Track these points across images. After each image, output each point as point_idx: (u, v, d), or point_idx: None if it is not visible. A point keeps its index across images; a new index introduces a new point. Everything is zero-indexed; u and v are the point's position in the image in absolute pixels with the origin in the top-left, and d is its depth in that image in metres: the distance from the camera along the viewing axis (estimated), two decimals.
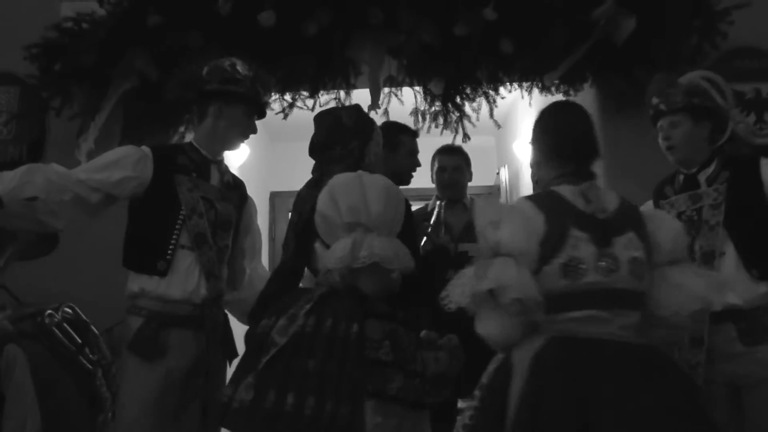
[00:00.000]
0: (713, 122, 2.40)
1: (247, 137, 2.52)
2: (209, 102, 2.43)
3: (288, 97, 3.39)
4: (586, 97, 3.59)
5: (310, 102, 3.38)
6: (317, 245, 2.07)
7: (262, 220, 5.65)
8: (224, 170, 2.50)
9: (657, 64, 3.20)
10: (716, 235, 2.23)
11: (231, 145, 2.50)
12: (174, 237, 2.26)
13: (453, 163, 3.45)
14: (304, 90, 3.37)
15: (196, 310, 2.27)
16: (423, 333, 2.13)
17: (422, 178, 3.38)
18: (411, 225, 2.25)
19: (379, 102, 3.40)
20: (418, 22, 3.09)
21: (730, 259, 2.21)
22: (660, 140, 2.45)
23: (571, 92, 3.42)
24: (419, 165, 3.16)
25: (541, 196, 1.86)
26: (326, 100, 3.40)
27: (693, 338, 2.22)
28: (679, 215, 2.33)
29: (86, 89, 3.18)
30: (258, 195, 5.51)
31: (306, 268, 2.20)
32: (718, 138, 2.40)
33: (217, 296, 2.31)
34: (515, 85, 3.44)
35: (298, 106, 3.40)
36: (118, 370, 2.27)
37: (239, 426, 1.86)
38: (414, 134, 3.17)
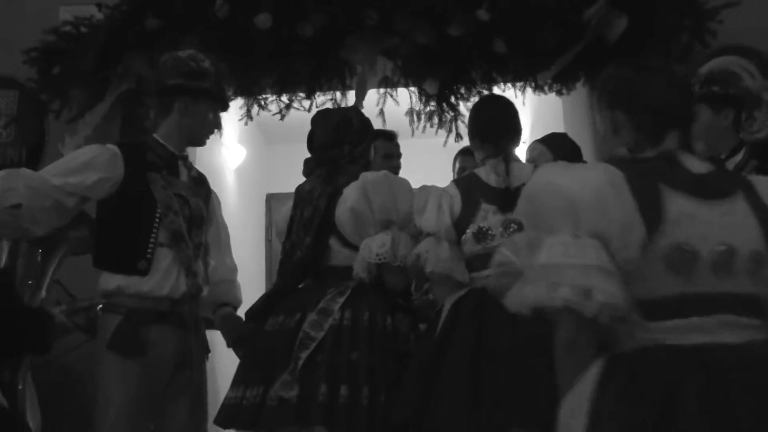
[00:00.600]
0: (737, 109, 2.35)
1: (212, 133, 2.49)
2: (174, 97, 2.38)
3: (285, 98, 3.43)
4: (578, 96, 3.64)
5: (306, 103, 3.42)
6: (332, 241, 2.11)
7: (258, 222, 5.71)
8: (190, 165, 2.47)
9: (649, 63, 3.26)
10: None
11: (198, 140, 2.47)
12: (153, 236, 2.24)
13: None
14: (301, 91, 3.41)
15: (175, 305, 2.25)
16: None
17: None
18: None
19: (375, 103, 3.46)
20: (413, 24, 3.13)
21: None
22: None
23: (564, 91, 3.47)
24: (399, 167, 3.17)
25: (464, 178, 2.21)
26: (322, 101, 3.44)
27: None
28: None
29: (85, 92, 3.21)
30: (254, 197, 5.57)
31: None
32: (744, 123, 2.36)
33: (196, 292, 2.29)
34: (509, 84, 3.48)
35: (294, 107, 3.43)
36: (98, 371, 2.21)
37: (285, 421, 1.89)
38: (390, 137, 3.20)
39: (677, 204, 1.29)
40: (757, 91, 2.35)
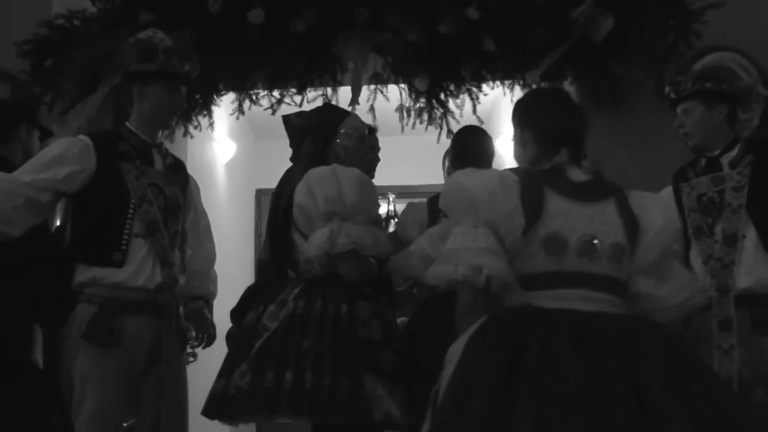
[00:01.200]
0: (731, 104, 2.40)
1: (175, 113, 2.46)
2: (131, 83, 2.39)
3: (276, 93, 3.46)
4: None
5: (297, 98, 3.45)
6: (296, 237, 2.17)
7: (248, 218, 5.74)
8: (165, 153, 2.46)
9: (635, 63, 3.32)
10: (739, 218, 2.27)
11: (162, 124, 2.44)
12: (127, 227, 2.24)
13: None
14: (292, 87, 3.44)
15: (150, 295, 2.25)
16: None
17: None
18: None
19: (366, 99, 3.50)
20: (404, 21, 3.17)
21: (750, 243, 2.27)
22: (676, 127, 2.48)
23: None
24: (378, 160, 3.22)
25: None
26: (313, 96, 3.48)
27: (720, 321, 2.25)
28: (699, 197, 2.37)
29: (78, 85, 3.22)
30: (244, 192, 5.60)
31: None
32: (741, 118, 2.41)
33: (172, 283, 2.30)
34: (498, 82, 3.53)
35: (286, 103, 3.46)
36: (73, 361, 2.22)
37: (240, 410, 1.96)
38: (372, 131, 3.25)
39: (555, 203, 1.68)
40: (752, 86, 2.38)
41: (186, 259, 2.50)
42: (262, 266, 2.31)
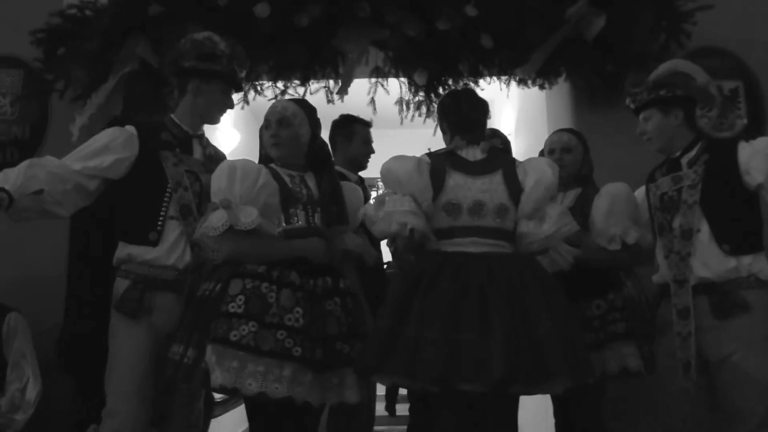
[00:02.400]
0: (687, 108, 2.54)
1: (224, 112, 2.66)
2: (188, 78, 2.54)
3: (280, 84, 3.57)
4: (561, 91, 3.81)
5: (301, 90, 3.56)
6: None
7: None
8: (206, 144, 2.62)
9: (627, 61, 3.43)
10: (693, 213, 2.42)
11: (210, 120, 2.63)
12: (163, 209, 2.41)
13: None
14: (296, 78, 3.55)
15: (180, 275, 2.41)
16: None
17: None
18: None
19: (367, 91, 3.61)
20: (403, 17, 3.27)
21: (704, 236, 2.40)
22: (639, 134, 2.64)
23: (546, 85, 3.63)
24: (373, 152, 3.36)
25: None
26: (316, 88, 3.59)
27: (679, 310, 2.40)
28: (662, 196, 2.54)
29: (89, 73, 3.34)
30: None
31: None
32: (698, 119, 2.56)
33: (200, 264, 2.42)
34: (494, 78, 3.64)
35: (289, 94, 3.56)
36: (109, 330, 2.41)
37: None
38: (367, 124, 3.37)
39: (454, 178, 2.32)
40: (706, 85, 2.53)
41: None
42: None
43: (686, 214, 2.44)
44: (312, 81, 3.57)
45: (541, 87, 3.63)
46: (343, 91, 3.43)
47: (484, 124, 2.50)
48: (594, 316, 2.61)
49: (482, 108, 2.49)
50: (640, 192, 2.73)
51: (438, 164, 2.34)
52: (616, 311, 2.62)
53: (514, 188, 2.33)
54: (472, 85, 3.60)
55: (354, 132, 3.34)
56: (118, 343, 2.37)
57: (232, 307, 2.12)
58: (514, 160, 2.44)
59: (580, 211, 2.68)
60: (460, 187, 2.31)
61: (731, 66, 3.66)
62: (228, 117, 4.94)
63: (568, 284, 2.47)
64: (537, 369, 2.05)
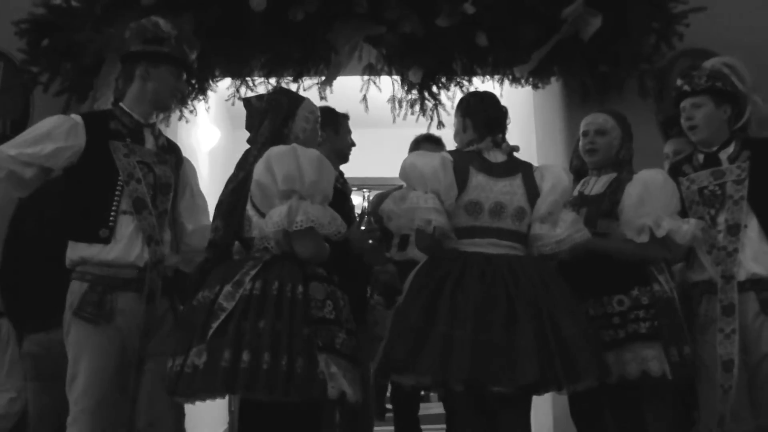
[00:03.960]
0: (733, 106, 2.58)
1: (177, 97, 2.52)
2: (135, 64, 2.39)
3: (272, 80, 3.51)
4: (550, 91, 3.84)
5: (294, 86, 3.51)
6: (251, 214, 2.19)
7: None
8: (158, 134, 2.47)
9: (620, 62, 3.47)
10: (740, 209, 2.44)
11: (162, 106, 2.48)
12: (114, 204, 2.25)
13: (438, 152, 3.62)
14: (289, 75, 3.50)
15: (140, 273, 2.25)
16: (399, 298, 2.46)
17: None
18: (343, 196, 2.45)
19: (359, 89, 3.58)
20: (402, 13, 3.25)
21: (753, 231, 2.43)
22: (682, 120, 2.62)
23: (540, 85, 3.65)
24: (354, 144, 3.28)
25: None
26: (309, 84, 3.55)
27: (724, 306, 2.41)
28: (701, 190, 2.53)
29: (77, 66, 3.23)
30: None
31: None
32: (737, 121, 2.59)
33: (158, 261, 2.28)
34: (488, 77, 3.65)
35: None
36: (66, 338, 2.23)
37: (195, 389, 1.98)
38: (347, 117, 3.31)
39: (476, 179, 2.34)
40: (748, 93, 2.59)
41: (188, 233, 2.51)
42: (211, 246, 2.30)
43: (732, 209, 2.45)
44: (305, 77, 3.54)
45: (535, 86, 3.65)
46: (327, 83, 3.38)
47: (506, 127, 2.51)
48: (614, 312, 2.43)
49: (505, 111, 2.52)
50: (655, 176, 2.60)
51: (461, 163, 2.36)
52: (640, 309, 2.41)
53: (533, 192, 2.37)
54: (465, 83, 3.61)
55: (340, 124, 3.29)
56: (79, 352, 2.20)
57: (327, 313, 2.05)
58: (531, 164, 2.48)
59: (610, 197, 2.56)
60: (483, 187, 2.33)
61: (694, 65, 3.71)
62: (208, 114, 4.91)
63: (587, 278, 2.43)
64: (568, 371, 2.09)
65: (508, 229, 2.33)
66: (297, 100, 2.40)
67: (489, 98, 2.53)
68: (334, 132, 3.24)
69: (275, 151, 2.12)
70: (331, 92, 3.53)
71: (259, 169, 2.11)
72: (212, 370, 1.92)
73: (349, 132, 3.27)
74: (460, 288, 2.18)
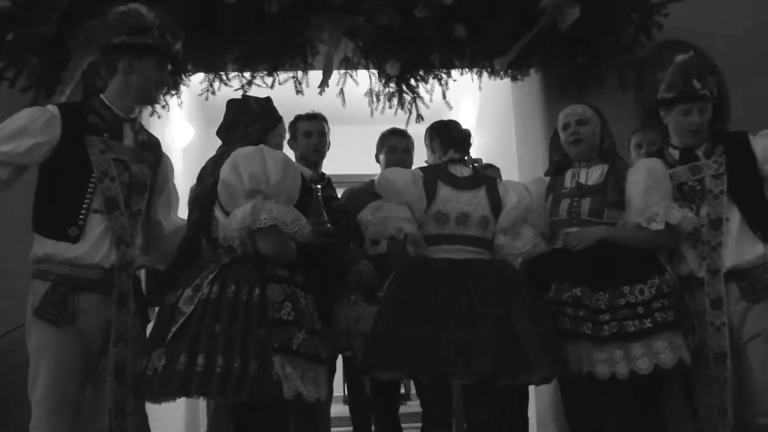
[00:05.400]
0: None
1: (161, 90, 2.42)
2: (118, 56, 2.28)
3: (247, 75, 3.43)
4: (529, 83, 3.80)
5: (269, 80, 3.44)
6: (218, 214, 2.18)
7: None
8: (138, 128, 2.36)
9: (599, 53, 3.45)
10: (721, 203, 2.47)
11: (147, 99, 2.39)
12: (86, 202, 2.16)
13: (403, 145, 3.56)
14: (263, 68, 3.42)
15: (105, 274, 2.16)
16: (380, 293, 2.58)
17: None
18: (307, 198, 2.42)
19: (335, 83, 3.51)
20: (378, 4, 3.19)
21: (734, 224, 2.46)
22: (685, 120, 2.60)
23: (519, 77, 3.62)
24: (317, 144, 3.22)
25: None
26: (284, 78, 3.47)
27: (712, 300, 2.43)
28: (680, 186, 2.55)
29: (43, 60, 3.13)
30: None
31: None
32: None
33: (126, 263, 2.20)
34: (466, 69, 3.60)
35: (256, 84, 3.44)
36: (27, 338, 2.15)
37: (155, 391, 2.04)
38: (309, 117, 3.25)
39: (443, 191, 2.56)
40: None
41: (163, 229, 2.44)
42: (185, 243, 2.29)
43: (713, 203, 2.48)
44: (280, 71, 3.46)
45: (513, 78, 3.62)
46: (324, 83, 3.31)
47: (469, 146, 2.76)
48: (637, 302, 2.35)
49: (468, 132, 2.80)
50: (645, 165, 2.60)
51: (430, 177, 2.60)
52: (663, 297, 2.35)
53: (496, 203, 2.58)
54: (443, 76, 3.56)
55: (296, 129, 3.23)
56: (40, 353, 2.10)
57: (284, 314, 2.06)
58: (494, 179, 2.77)
59: (615, 186, 2.53)
60: (449, 199, 2.55)
61: (709, 67, 3.72)
62: (182, 111, 4.81)
63: (603, 268, 2.41)
64: (521, 363, 2.26)
65: (473, 236, 2.53)
66: (279, 116, 2.47)
67: (453, 123, 2.84)
68: (293, 139, 3.22)
69: (242, 151, 2.15)
70: (325, 90, 3.45)
71: (225, 169, 2.13)
72: (169, 373, 1.97)
73: (306, 134, 3.20)
74: (425, 291, 2.39)
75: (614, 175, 2.57)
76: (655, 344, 2.30)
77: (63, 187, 2.16)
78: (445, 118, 3.14)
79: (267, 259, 2.12)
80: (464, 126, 3.32)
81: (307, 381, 2.04)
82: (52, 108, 2.21)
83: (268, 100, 2.51)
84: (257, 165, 2.10)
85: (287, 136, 2.54)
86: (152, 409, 2.27)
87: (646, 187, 2.48)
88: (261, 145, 2.19)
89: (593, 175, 2.63)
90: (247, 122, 2.36)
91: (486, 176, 2.70)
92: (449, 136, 2.72)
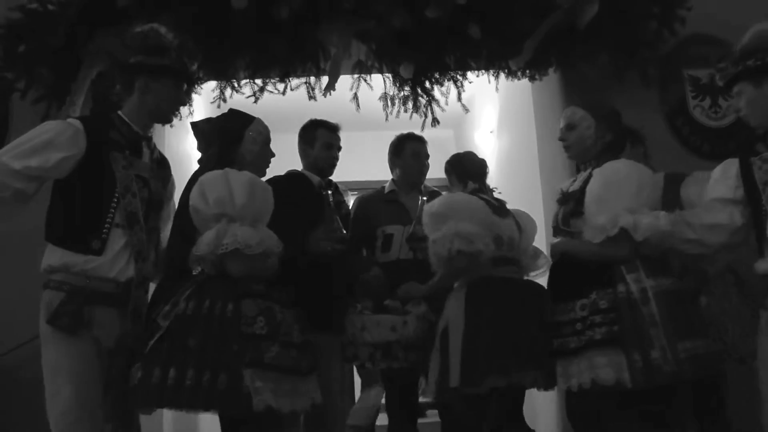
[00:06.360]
0: None
1: (177, 110, 2.45)
2: (134, 76, 2.33)
3: (259, 81, 3.39)
4: (548, 83, 3.70)
5: (280, 86, 3.39)
6: (196, 235, 2.23)
7: None
8: (153, 147, 2.41)
9: (620, 50, 3.33)
10: None
11: (163, 118, 2.44)
12: (110, 216, 2.19)
13: (426, 150, 3.49)
14: (275, 74, 3.38)
15: (120, 288, 2.19)
16: (388, 301, 2.63)
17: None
18: (287, 214, 2.40)
19: (350, 87, 3.45)
20: (390, 6, 3.12)
21: None
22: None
23: (537, 77, 3.51)
24: (336, 157, 3.17)
25: None
26: (296, 84, 3.42)
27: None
28: None
29: (53, 71, 3.12)
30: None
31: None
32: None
33: (143, 278, 2.25)
34: (482, 71, 3.50)
35: (268, 90, 3.40)
36: (43, 354, 2.14)
37: (134, 403, 2.11)
38: (332, 128, 3.19)
39: (494, 219, 2.64)
40: None
41: (164, 245, 2.45)
42: (160, 262, 2.37)
43: None
44: (292, 77, 3.41)
45: (531, 79, 3.51)
46: (330, 87, 3.26)
47: (485, 175, 2.93)
48: (577, 318, 2.29)
49: (483, 162, 2.96)
50: (726, 169, 2.28)
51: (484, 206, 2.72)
52: (598, 314, 2.25)
53: (519, 228, 2.78)
54: (459, 78, 3.47)
55: (315, 137, 3.15)
56: (57, 364, 2.10)
57: (257, 329, 2.10)
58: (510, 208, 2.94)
59: (578, 195, 2.42)
60: (498, 225, 2.64)
61: (724, 54, 3.58)
62: (201, 118, 4.78)
63: (558, 282, 2.44)
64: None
65: (509, 257, 2.68)
66: (245, 122, 2.49)
67: (467, 155, 3.02)
68: (308, 145, 3.14)
69: (208, 176, 2.23)
70: (331, 94, 3.39)
71: (194, 195, 2.22)
72: (145, 386, 2.04)
73: (327, 145, 3.15)
74: (493, 307, 2.50)
75: (587, 182, 2.41)
76: (581, 363, 2.24)
77: (86, 201, 2.19)
78: (463, 121, 3.09)
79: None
80: (487, 129, 3.32)
81: (281, 393, 2.08)
82: (74, 122, 2.25)
83: (227, 115, 2.56)
84: (222, 189, 2.17)
85: (260, 136, 2.49)
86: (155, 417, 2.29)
87: (598, 197, 2.33)
88: (226, 169, 2.25)
89: (579, 180, 2.51)
90: (205, 148, 2.46)
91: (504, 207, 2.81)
92: (464, 170, 2.87)
